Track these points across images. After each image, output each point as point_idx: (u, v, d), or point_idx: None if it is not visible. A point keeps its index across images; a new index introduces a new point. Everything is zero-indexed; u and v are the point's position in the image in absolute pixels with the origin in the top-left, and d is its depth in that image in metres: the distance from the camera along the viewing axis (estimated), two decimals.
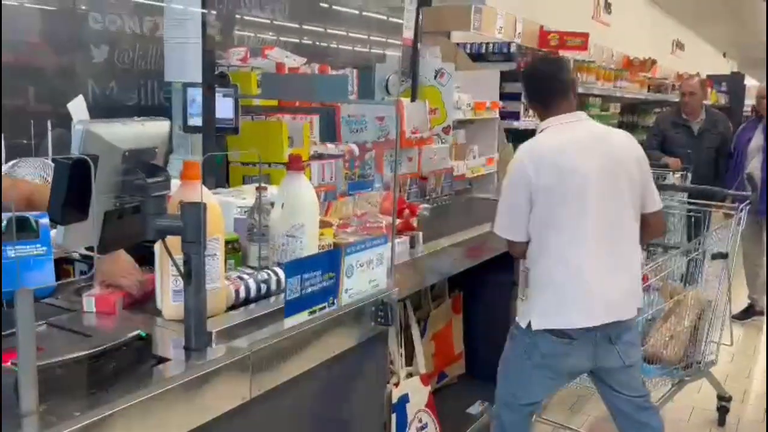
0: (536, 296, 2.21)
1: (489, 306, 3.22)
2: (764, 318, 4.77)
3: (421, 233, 2.40)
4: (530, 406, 2.34)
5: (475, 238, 2.67)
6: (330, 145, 2.97)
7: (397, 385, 2.47)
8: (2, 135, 1.83)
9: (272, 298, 1.70)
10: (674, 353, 3.01)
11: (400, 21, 3.44)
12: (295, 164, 1.87)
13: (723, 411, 3.39)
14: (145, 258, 1.77)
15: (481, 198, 3.88)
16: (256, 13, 3.31)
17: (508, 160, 4.49)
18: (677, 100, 6.24)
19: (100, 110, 2.53)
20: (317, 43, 3.73)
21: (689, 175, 4.56)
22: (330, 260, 1.65)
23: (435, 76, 3.91)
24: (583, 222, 2.12)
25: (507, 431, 2.34)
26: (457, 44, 4.86)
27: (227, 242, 1.77)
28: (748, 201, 3.20)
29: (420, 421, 2.54)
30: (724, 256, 3.11)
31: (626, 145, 2.24)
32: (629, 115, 8.29)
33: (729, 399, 3.39)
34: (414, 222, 2.46)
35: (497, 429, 2.38)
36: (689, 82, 5.29)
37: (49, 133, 1.99)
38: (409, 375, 2.64)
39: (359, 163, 2.95)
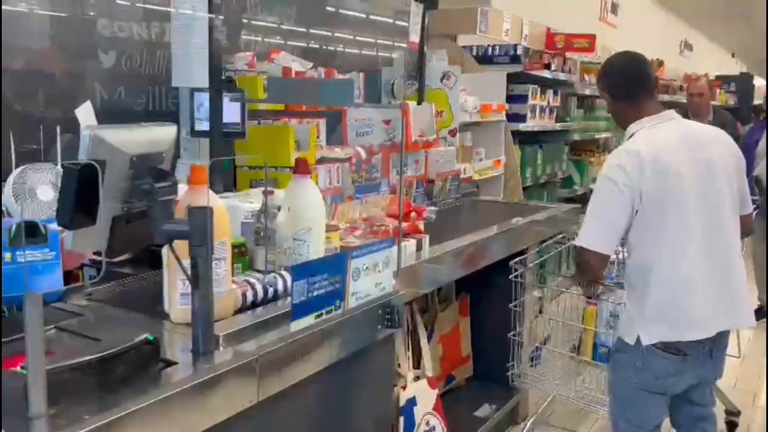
0: (644, 309, 2.04)
1: (496, 308, 3.21)
2: None
3: (427, 236, 2.41)
4: (655, 430, 2.18)
5: (482, 240, 2.66)
6: (337, 149, 2.98)
7: (404, 388, 2.47)
8: (2, 140, 1.84)
9: (279, 302, 1.71)
10: None
11: (406, 24, 3.44)
12: (301, 168, 1.88)
13: (731, 426, 3.30)
14: (154, 262, 1.79)
15: (488, 200, 3.88)
16: (263, 18, 3.33)
17: (514, 163, 4.52)
18: (685, 100, 6.22)
19: (109, 115, 2.54)
20: (324, 47, 3.74)
21: None
22: (336, 263, 1.66)
23: (441, 79, 3.91)
24: (688, 228, 2.01)
25: None
26: (464, 47, 4.86)
27: (234, 246, 1.78)
28: (756, 205, 3.18)
29: (428, 424, 2.54)
30: None
31: (723, 141, 2.15)
32: None
33: (737, 413, 3.32)
34: (420, 225, 2.46)
35: None
36: (697, 83, 5.26)
37: (58, 138, 2.00)
38: (417, 378, 2.64)
39: (366, 166, 2.95)
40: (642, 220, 2.01)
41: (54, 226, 1.06)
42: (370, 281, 1.77)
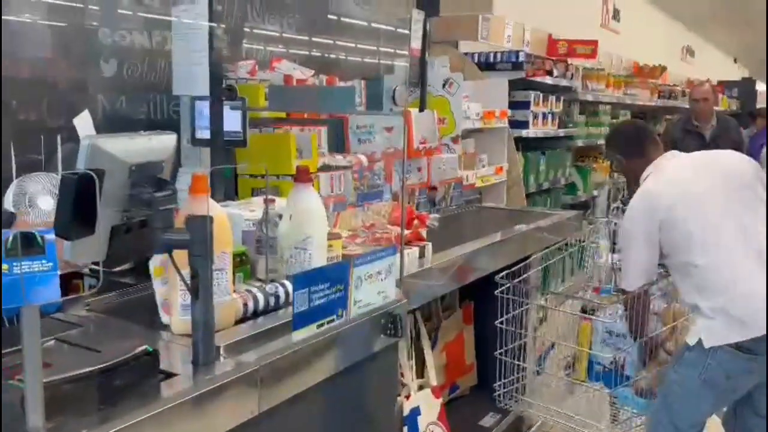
0: (704, 318, 2.17)
1: (501, 316, 3.19)
2: None
3: (430, 244, 2.39)
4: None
5: (485, 247, 2.65)
6: (338, 156, 2.97)
7: (408, 397, 2.45)
8: (2, 150, 1.83)
9: (281, 311, 1.69)
10: None
11: (408, 31, 3.44)
12: (302, 176, 1.86)
13: None
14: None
15: (491, 207, 3.87)
16: (265, 26, 3.33)
17: (517, 170, 4.51)
18: (688, 106, 6.20)
19: (110, 124, 2.53)
20: (325, 54, 3.74)
21: None
22: (338, 272, 1.64)
23: (443, 86, 3.91)
24: (723, 231, 2.19)
25: None
26: (465, 54, 4.86)
27: (235, 255, 1.76)
28: None
29: None
30: None
31: (737, 159, 2.42)
32: None
33: None
34: (423, 232, 2.45)
35: None
36: (701, 88, 5.25)
37: (59, 148, 1.99)
38: (421, 387, 2.61)
39: (368, 173, 2.94)
40: (675, 241, 2.21)
41: (52, 237, 1.05)
42: (373, 290, 1.75)
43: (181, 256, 1.36)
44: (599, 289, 2.83)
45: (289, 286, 1.69)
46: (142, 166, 1.34)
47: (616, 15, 8.86)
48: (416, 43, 3.52)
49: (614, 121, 6.80)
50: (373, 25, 4.15)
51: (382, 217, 2.63)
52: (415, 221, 2.48)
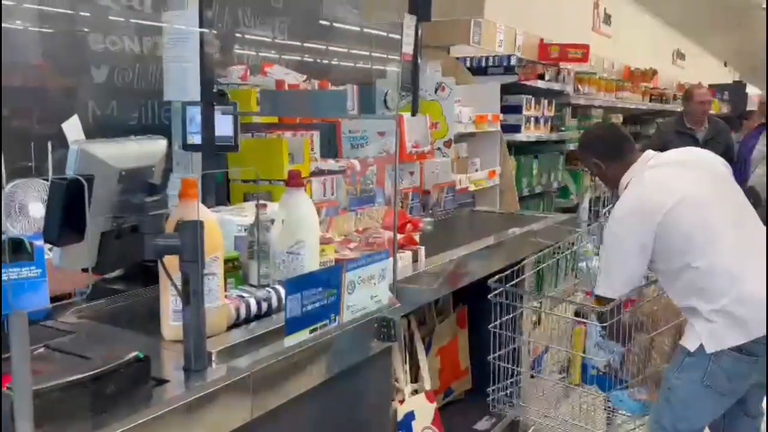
0: (703, 320, 2.13)
1: (495, 320, 3.19)
2: None
3: (423, 248, 2.38)
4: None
5: (478, 251, 2.64)
6: (331, 161, 2.97)
7: (402, 402, 2.44)
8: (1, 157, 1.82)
9: (273, 316, 1.68)
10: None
11: (400, 36, 3.44)
12: (294, 181, 1.85)
13: None
14: (145, 277, 1.76)
15: (484, 211, 3.87)
16: (256, 32, 3.33)
17: (509, 173, 4.51)
18: (679, 109, 6.23)
19: (101, 130, 2.53)
20: (317, 60, 3.74)
21: None
22: (331, 277, 1.63)
23: (436, 90, 3.91)
24: (719, 229, 2.16)
25: None
26: (458, 58, 4.87)
27: (227, 260, 1.75)
28: None
29: None
30: None
31: (711, 156, 2.43)
32: (632, 126, 8.27)
33: None
34: (416, 236, 2.44)
35: None
36: (701, 91, 5.21)
37: (50, 154, 1.98)
38: (415, 392, 2.60)
39: (361, 178, 2.94)
40: (672, 244, 2.15)
41: (40, 242, 1.04)
42: (366, 294, 1.74)
43: (172, 260, 1.36)
44: (591, 293, 2.83)
45: (282, 291, 1.68)
46: (132, 172, 1.34)
47: (607, 19, 8.91)
48: (408, 48, 3.53)
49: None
50: (365, 30, 4.16)
51: (375, 222, 2.62)
52: (408, 225, 2.48)
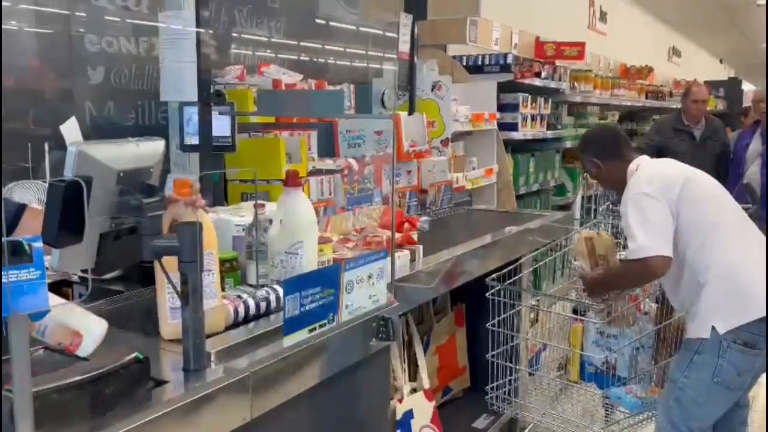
0: (711, 302, 2.20)
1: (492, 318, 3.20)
2: None
3: (421, 247, 2.39)
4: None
5: (476, 250, 2.65)
6: (328, 161, 2.97)
7: (401, 401, 2.45)
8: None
9: (272, 317, 1.69)
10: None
11: (396, 35, 3.45)
12: (292, 181, 1.86)
13: None
14: (144, 278, 1.76)
15: (481, 209, 3.87)
16: (253, 31, 3.32)
17: (506, 172, 4.51)
18: (675, 106, 6.24)
19: (98, 131, 2.53)
20: (314, 59, 3.74)
21: None
22: (329, 276, 1.64)
23: (432, 89, 3.91)
24: (725, 216, 2.27)
25: None
26: (454, 57, 4.87)
27: (226, 261, 1.76)
28: (748, 213, 3.17)
29: None
30: None
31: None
32: (628, 123, 8.30)
33: None
34: (414, 235, 2.45)
35: None
36: (697, 90, 5.20)
37: (47, 156, 1.98)
38: (413, 390, 2.61)
39: (358, 177, 2.94)
40: (684, 223, 2.21)
41: (39, 244, 1.04)
42: (364, 293, 1.75)
43: (169, 260, 1.36)
44: (589, 296, 2.84)
45: (280, 291, 1.69)
46: (131, 173, 1.33)
47: (603, 17, 8.92)
48: (405, 47, 3.54)
49: (602, 122, 6.85)
50: (362, 29, 4.15)
51: (373, 221, 2.63)
52: (406, 224, 2.49)
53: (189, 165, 2.49)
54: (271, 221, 1.86)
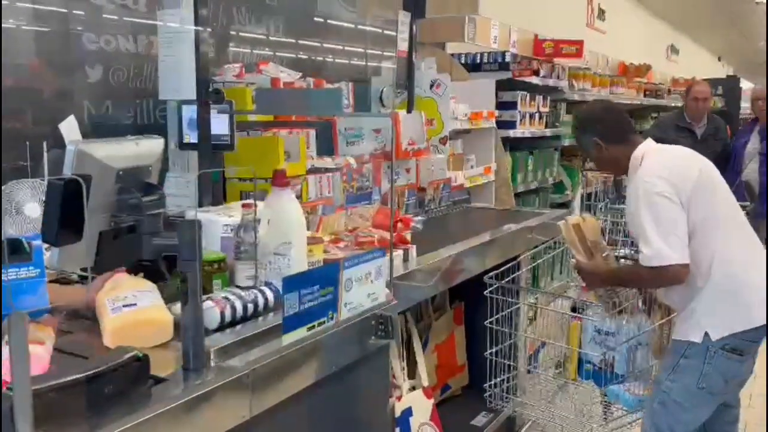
0: (708, 305, 2.12)
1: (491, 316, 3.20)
2: None
3: (414, 247, 2.37)
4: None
5: (474, 248, 2.65)
6: (327, 159, 2.97)
7: (400, 398, 2.45)
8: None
9: (270, 315, 1.68)
10: None
11: (395, 33, 3.45)
12: (279, 180, 1.80)
13: None
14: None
15: (479, 207, 3.87)
16: (251, 30, 3.32)
17: (505, 170, 4.52)
18: (674, 104, 6.24)
19: (97, 130, 2.53)
20: (313, 57, 3.74)
21: None
22: (328, 274, 1.64)
23: (431, 87, 3.92)
24: (726, 217, 2.18)
25: None
26: (452, 55, 4.87)
27: (213, 262, 1.72)
28: (746, 211, 3.17)
29: None
30: None
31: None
32: None
33: None
34: (407, 235, 2.43)
35: None
36: (702, 88, 5.18)
37: (45, 154, 1.98)
38: (412, 388, 2.62)
39: (357, 175, 2.94)
40: (692, 218, 2.10)
41: (39, 243, 1.05)
42: (363, 292, 1.75)
43: None
44: (587, 288, 2.84)
45: (269, 293, 1.67)
46: (129, 171, 1.34)
47: (601, 15, 8.92)
48: (403, 45, 3.54)
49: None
50: (360, 27, 4.16)
51: (365, 221, 2.62)
52: (399, 224, 2.47)
53: (188, 164, 2.49)
54: (259, 221, 1.83)
